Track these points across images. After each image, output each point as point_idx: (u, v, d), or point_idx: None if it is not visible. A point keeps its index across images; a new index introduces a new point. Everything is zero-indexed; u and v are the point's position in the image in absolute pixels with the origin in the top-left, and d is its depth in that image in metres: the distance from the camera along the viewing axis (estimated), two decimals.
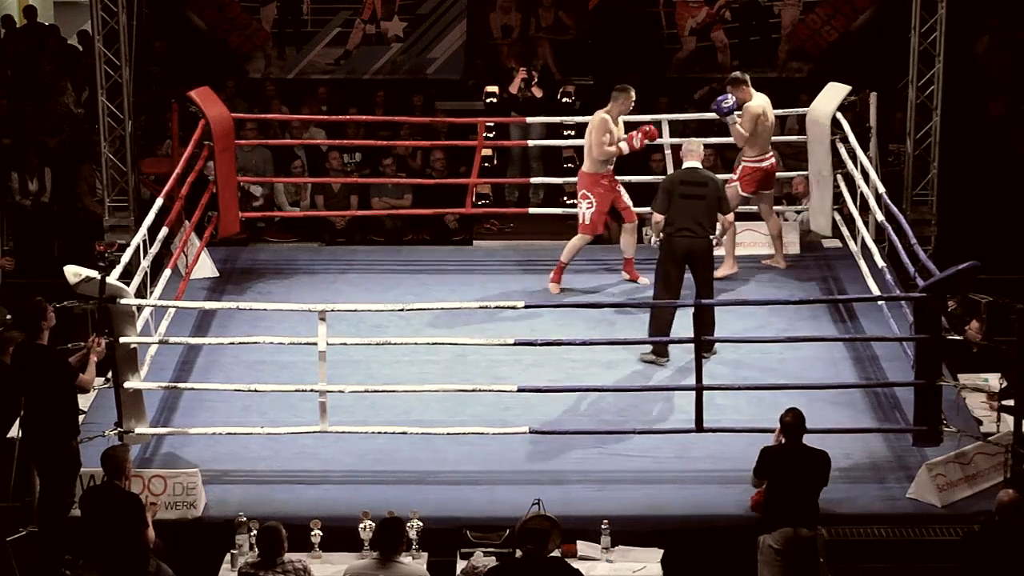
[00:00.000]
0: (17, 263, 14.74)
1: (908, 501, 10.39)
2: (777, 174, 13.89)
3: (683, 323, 11.62)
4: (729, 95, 13.33)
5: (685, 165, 12.25)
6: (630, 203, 13.29)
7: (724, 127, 13.80)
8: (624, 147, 13.03)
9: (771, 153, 13.61)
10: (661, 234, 12.09)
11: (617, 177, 13.28)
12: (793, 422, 9.65)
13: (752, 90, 13.40)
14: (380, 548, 8.80)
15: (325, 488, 10.53)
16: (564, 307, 12.88)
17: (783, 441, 9.74)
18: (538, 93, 15.52)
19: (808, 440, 9.71)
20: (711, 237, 12.09)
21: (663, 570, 9.60)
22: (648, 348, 12.05)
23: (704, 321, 11.28)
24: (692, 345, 10.89)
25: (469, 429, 10.79)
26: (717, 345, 11.83)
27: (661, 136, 13.70)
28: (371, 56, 17.68)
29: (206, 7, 17.54)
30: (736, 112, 13.35)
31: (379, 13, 17.63)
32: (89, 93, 16.41)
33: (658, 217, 12.09)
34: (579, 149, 15.02)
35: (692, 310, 11.10)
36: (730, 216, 12.51)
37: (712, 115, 13.96)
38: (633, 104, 13.11)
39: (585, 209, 13.15)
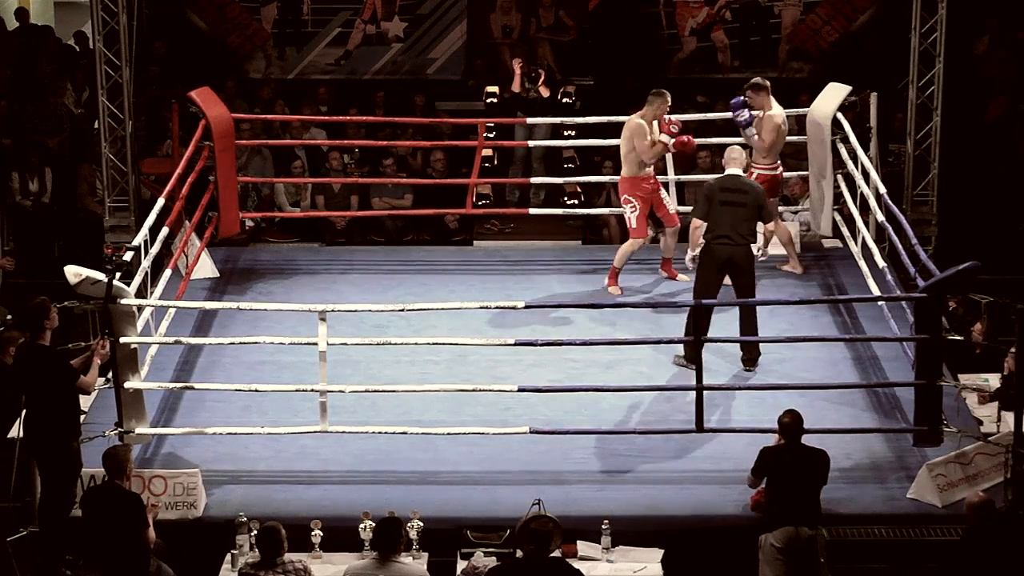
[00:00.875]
0: (17, 263, 14.72)
1: (909, 501, 10.39)
2: None
3: (721, 328, 11.66)
4: (744, 110, 13.14)
5: (727, 172, 12.04)
6: (671, 207, 13.19)
7: (725, 127, 13.76)
8: (666, 139, 12.85)
9: (779, 160, 13.57)
10: (701, 241, 12.01)
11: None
12: (791, 423, 9.66)
13: (772, 99, 13.25)
14: (379, 548, 8.81)
15: (325, 488, 10.53)
16: (565, 307, 12.88)
17: (783, 442, 9.74)
18: (545, 92, 15.44)
19: (808, 440, 9.72)
20: (751, 244, 11.94)
21: (663, 570, 9.61)
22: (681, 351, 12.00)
23: (747, 331, 11.42)
24: (704, 346, 10.88)
25: (469, 429, 10.79)
26: (718, 346, 11.81)
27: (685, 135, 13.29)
28: (371, 56, 17.65)
29: (206, 7, 17.51)
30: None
31: (379, 13, 17.61)
32: (89, 93, 16.41)
33: (697, 222, 11.97)
34: (579, 149, 15.07)
35: (726, 316, 11.05)
36: (771, 225, 12.42)
37: (712, 116, 13.90)
38: (668, 108, 13.00)
39: (630, 213, 13.05)
